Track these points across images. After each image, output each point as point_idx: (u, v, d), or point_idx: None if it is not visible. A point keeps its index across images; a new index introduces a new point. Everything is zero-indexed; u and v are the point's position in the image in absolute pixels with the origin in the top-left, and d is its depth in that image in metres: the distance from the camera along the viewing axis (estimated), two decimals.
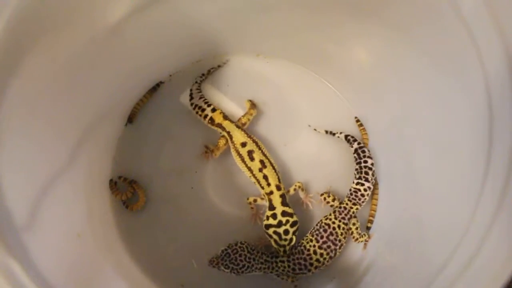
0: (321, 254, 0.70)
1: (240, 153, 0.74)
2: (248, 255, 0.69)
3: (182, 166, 0.80)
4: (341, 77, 0.83)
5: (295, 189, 0.76)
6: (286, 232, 0.70)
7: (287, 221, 0.70)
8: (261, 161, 0.73)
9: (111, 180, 0.77)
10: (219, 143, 0.77)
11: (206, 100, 0.79)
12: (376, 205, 0.76)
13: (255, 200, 0.76)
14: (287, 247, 0.70)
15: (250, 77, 0.84)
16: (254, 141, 0.75)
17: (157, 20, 0.70)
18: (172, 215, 0.77)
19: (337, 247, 0.71)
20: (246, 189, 0.78)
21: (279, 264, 0.70)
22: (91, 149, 0.72)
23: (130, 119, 0.81)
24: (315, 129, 0.80)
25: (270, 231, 0.70)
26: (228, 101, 0.83)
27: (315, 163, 0.80)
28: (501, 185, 0.48)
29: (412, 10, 0.60)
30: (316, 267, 0.70)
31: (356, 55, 0.76)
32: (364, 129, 0.80)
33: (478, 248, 0.47)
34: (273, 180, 0.73)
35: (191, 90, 0.81)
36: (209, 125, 0.78)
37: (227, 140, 0.77)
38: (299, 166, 0.80)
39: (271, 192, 0.72)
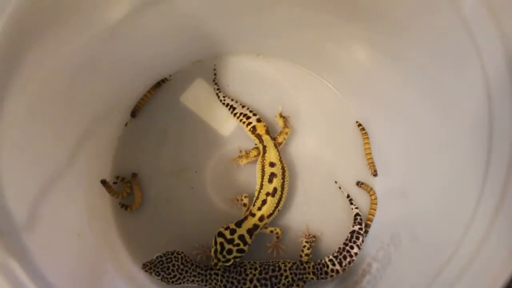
0: (255, 286, 0.69)
1: (265, 170, 0.74)
2: (182, 266, 0.68)
3: (182, 166, 0.80)
4: (341, 78, 0.83)
5: (271, 231, 0.74)
6: (229, 251, 0.69)
7: (238, 244, 0.69)
8: (275, 189, 0.73)
9: (103, 180, 0.75)
10: (251, 153, 0.77)
11: (250, 109, 0.80)
12: (375, 209, 0.76)
13: (243, 202, 0.76)
14: (219, 264, 0.68)
15: (250, 77, 0.84)
16: (282, 167, 0.75)
17: (157, 20, 0.70)
18: (172, 215, 0.77)
19: None
20: (246, 190, 0.78)
21: (213, 277, 0.69)
22: (91, 148, 0.73)
23: (133, 113, 0.81)
24: (339, 187, 0.78)
25: (219, 239, 0.69)
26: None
27: (315, 164, 0.80)
28: (501, 185, 0.48)
29: (412, 10, 0.60)
30: None
31: (356, 55, 0.76)
32: (366, 133, 0.80)
33: (478, 248, 0.47)
34: (265, 210, 0.72)
35: (222, 101, 0.81)
36: (249, 132, 0.79)
37: (259, 153, 0.77)
38: (298, 167, 0.80)
39: (253, 215, 0.72)
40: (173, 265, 0.68)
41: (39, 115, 0.60)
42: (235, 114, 0.80)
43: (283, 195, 0.74)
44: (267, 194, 0.73)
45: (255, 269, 0.70)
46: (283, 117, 0.81)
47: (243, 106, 0.81)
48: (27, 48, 0.53)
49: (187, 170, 0.80)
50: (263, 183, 0.74)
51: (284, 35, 0.80)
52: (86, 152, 0.71)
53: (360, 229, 0.73)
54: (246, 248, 0.69)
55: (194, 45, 0.81)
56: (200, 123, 0.82)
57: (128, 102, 0.81)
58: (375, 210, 0.76)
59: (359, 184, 0.77)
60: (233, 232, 0.70)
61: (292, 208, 0.78)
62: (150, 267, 0.68)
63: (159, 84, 0.82)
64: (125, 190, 0.76)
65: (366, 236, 0.75)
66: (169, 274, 0.68)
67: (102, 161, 0.77)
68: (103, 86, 0.72)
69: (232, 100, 0.81)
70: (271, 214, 0.72)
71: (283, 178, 0.74)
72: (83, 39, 0.62)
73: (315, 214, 0.78)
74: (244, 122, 0.79)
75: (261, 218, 0.72)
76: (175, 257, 0.69)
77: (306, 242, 0.74)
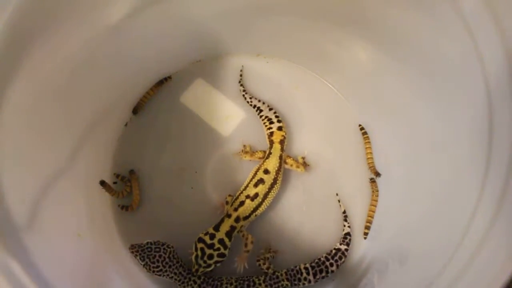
0: None
1: (257, 173, 0.74)
2: (167, 260, 0.68)
3: (182, 166, 0.80)
4: (341, 78, 0.83)
5: (243, 235, 0.73)
6: (210, 256, 0.68)
7: (218, 249, 0.69)
8: (256, 194, 0.72)
9: (102, 181, 0.74)
10: (256, 154, 0.78)
11: (277, 115, 0.79)
12: (374, 211, 0.76)
13: (226, 199, 0.75)
14: (201, 270, 0.68)
15: (250, 77, 0.84)
16: (274, 179, 0.74)
17: (157, 20, 0.70)
18: (172, 215, 0.77)
19: None
20: None
21: (190, 283, 0.69)
22: (91, 148, 0.73)
23: (135, 110, 0.81)
24: (338, 200, 0.77)
25: (199, 245, 0.69)
26: (228, 101, 0.83)
27: (315, 164, 0.80)
28: (501, 185, 0.48)
29: (412, 11, 0.60)
30: None
31: (356, 56, 0.76)
32: (367, 137, 0.79)
33: (478, 248, 0.47)
34: (242, 212, 0.72)
35: (249, 102, 0.81)
36: (267, 136, 0.79)
37: (263, 157, 0.77)
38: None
39: (229, 216, 0.72)
40: (160, 256, 0.68)
41: (39, 114, 0.60)
42: (260, 116, 0.80)
43: (264, 203, 0.73)
44: (247, 196, 0.72)
45: (231, 284, 0.70)
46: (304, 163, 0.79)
47: (270, 109, 0.80)
48: (27, 47, 0.53)
49: (187, 170, 0.80)
50: (249, 184, 0.73)
51: (284, 35, 0.80)
52: (86, 151, 0.71)
53: (346, 250, 0.73)
54: (226, 252, 0.69)
55: (194, 45, 0.81)
56: (200, 123, 0.82)
57: (128, 102, 0.81)
58: (374, 212, 0.75)
59: (371, 180, 0.77)
60: (212, 236, 0.70)
61: (292, 208, 0.78)
62: (137, 250, 0.68)
63: (162, 82, 0.82)
64: (125, 189, 0.76)
65: (365, 238, 0.75)
66: (153, 263, 0.68)
67: (102, 160, 0.77)
68: (102, 86, 0.72)
69: (259, 101, 0.81)
70: (247, 217, 0.72)
71: (270, 188, 0.73)
72: (83, 39, 0.62)
73: (315, 214, 0.78)
74: (266, 125, 0.79)
75: (237, 219, 0.71)
76: (164, 249, 0.69)
77: (259, 259, 0.72)
